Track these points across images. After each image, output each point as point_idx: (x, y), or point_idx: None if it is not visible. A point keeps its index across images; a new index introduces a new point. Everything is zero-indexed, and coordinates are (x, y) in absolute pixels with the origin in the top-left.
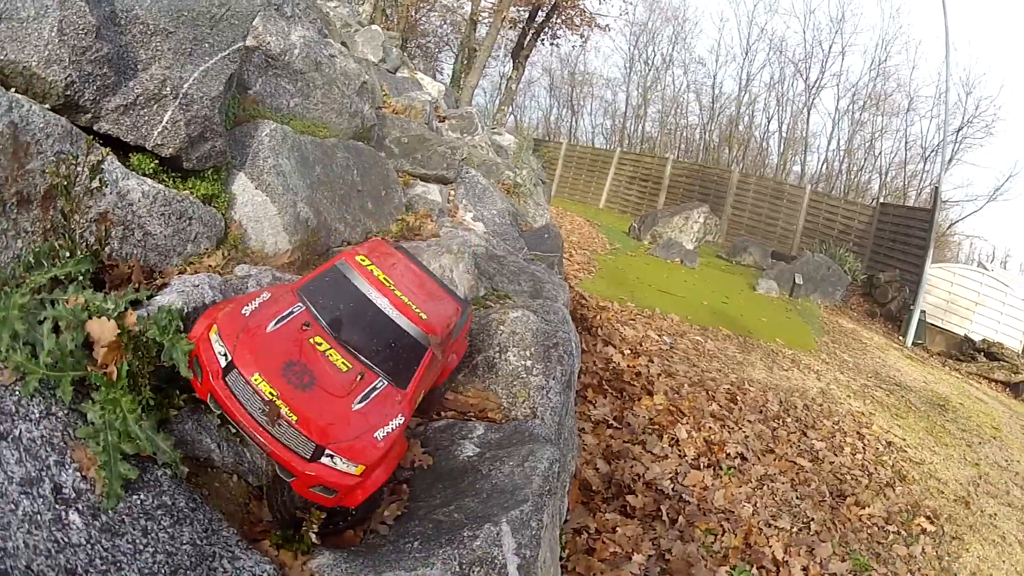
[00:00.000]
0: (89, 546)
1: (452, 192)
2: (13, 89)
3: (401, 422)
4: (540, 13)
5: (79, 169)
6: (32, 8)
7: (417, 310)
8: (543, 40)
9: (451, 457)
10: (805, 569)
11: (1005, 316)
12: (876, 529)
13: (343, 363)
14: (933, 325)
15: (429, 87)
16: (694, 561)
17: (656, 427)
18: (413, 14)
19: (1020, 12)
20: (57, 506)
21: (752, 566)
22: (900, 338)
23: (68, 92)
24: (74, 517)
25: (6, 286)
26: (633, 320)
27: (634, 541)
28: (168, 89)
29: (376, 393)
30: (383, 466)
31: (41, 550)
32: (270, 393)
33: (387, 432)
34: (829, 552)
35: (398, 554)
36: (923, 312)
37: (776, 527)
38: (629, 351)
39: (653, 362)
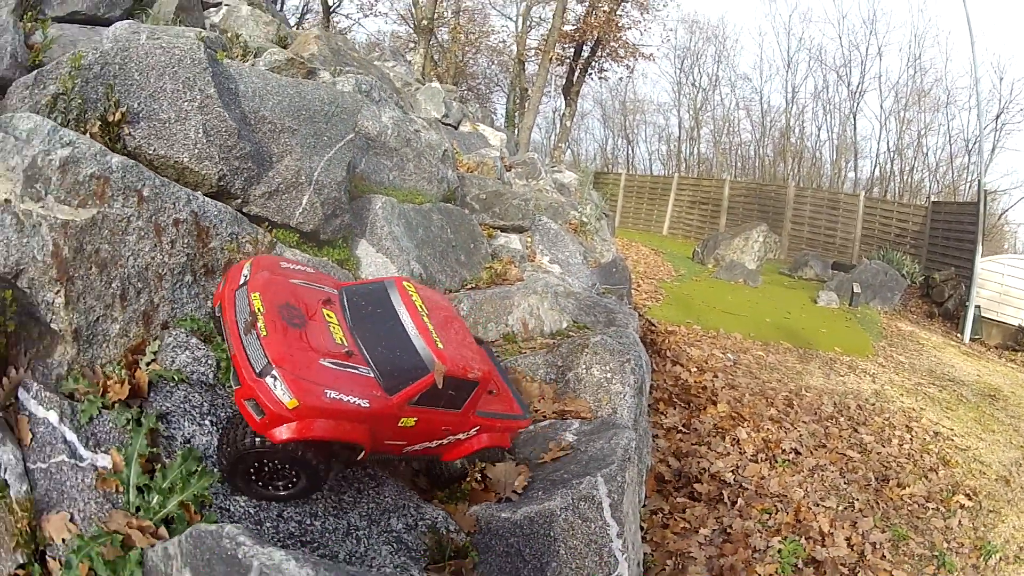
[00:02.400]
0: (325, 499)
1: (529, 239)
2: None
3: (364, 405)
4: (585, 49)
5: (259, 248)
6: (172, 111)
7: (436, 338)
8: (591, 74)
9: (556, 443)
10: (848, 539)
11: None
12: (916, 506)
13: (340, 337)
14: (988, 319)
15: (492, 138)
16: (751, 533)
17: (719, 431)
18: (460, 58)
19: None
20: None
21: (801, 537)
22: (958, 335)
23: (221, 183)
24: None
25: None
26: (699, 341)
27: (700, 519)
28: (303, 177)
29: (352, 371)
30: (321, 421)
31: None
32: (258, 308)
33: (339, 397)
34: (871, 525)
35: (527, 499)
36: (978, 307)
37: (823, 506)
38: (695, 369)
39: (717, 377)
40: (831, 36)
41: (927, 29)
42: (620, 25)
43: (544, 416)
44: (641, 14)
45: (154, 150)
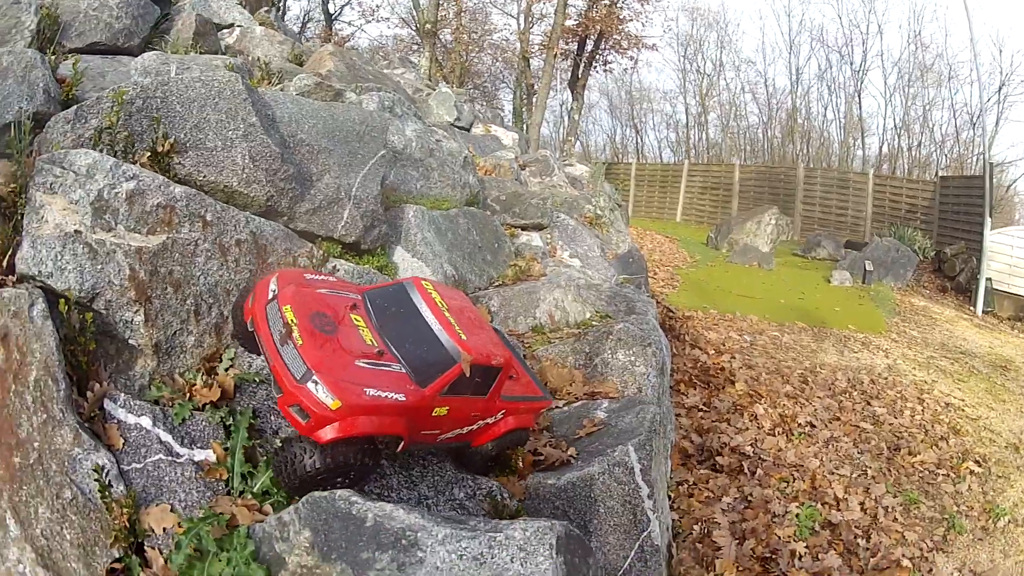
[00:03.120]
0: (398, 474)
1: (549, 236)
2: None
3: (401, 399)
4: (588, 43)
5: (313, 261)
6: (218, 140)
7: (459, 330)
8: (596, 67)
9: (588, 419)
10: (861, 504)
11: None
12: (927, 473)
13: (370, 339)
14: (1000, 291)
15: (504, 139)
16: (770, 500)
17: (738, 408)
18: (464, 58)
19: None
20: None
21: (817, 503)
22: (970, 308)
23: (269, 203)
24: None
25: None
26: (716, 325)
27: (723, 488)
28: (342, 193)
29: (387, 369)
30: (364, 418)
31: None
32: (291, 320)
33: (379, 394)
34: (883, 491)
35: (569, 467)
36: (989, 279)
37: (838, 475)
38: (713, 351)
39: (735, 358)
40: (831, 16)
41: (925, 4)
42: (621, 18)
43: (576, 398)
44: (642, 5)
45: (204, 177)
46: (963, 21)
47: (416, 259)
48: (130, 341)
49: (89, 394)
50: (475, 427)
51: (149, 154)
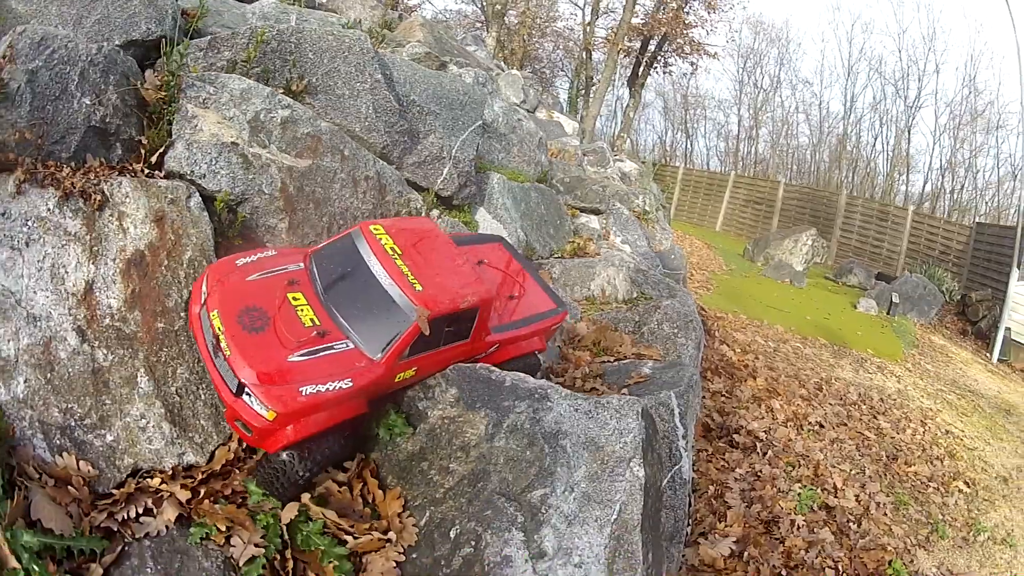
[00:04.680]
0: None
1: (604, 221)
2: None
3: (346, 386)
4: (652, 43)
5: (420, 206)
6: (346, 89)
7: (413, 280)
8: (656, 68)
9: (636, 371)
10: (856, 496)
11: None
12: (919, 483)
13: (310, 319)
14: (1018, 342)
15: (566, 125)
16: (777, 478)
17: (756, 399)
18: (526, 41)
19: None
20: None
21: (817, 488)
22: (986, 354)
23: (383, 151)
24: None
25: None
26: (744, 328)
27: (736, 462)
28: (444, 152)
29: (329, 352)
30: (307, 419)
31: None
32: (218, 328)
33: (318, 390)
34: (877, 489)
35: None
36: (1008, 329)
37: (839, 468)
38: (739, 350)
39: (758, 359)
40: (891, 49)
41: (983, 51)
42: (687, 22)
43: (625, 356)
44: (708, 13)
45: (331, 119)
46: (1016, 72)
47: (495, 220)
48: (268, 244)
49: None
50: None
51: (283, 90)
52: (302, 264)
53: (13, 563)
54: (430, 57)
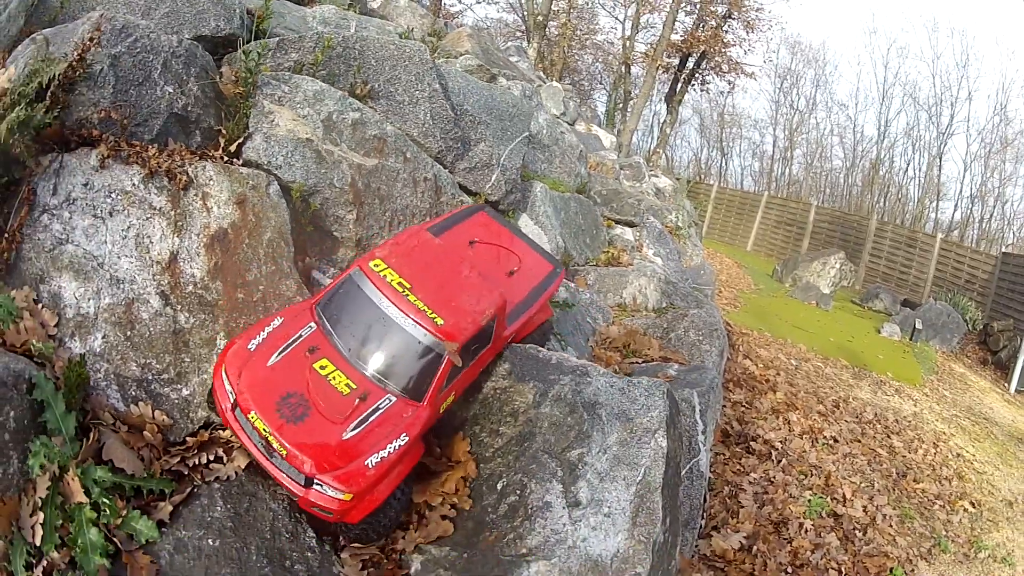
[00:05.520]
0: None
1: (638, 233)
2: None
3: (404, 442)
4: (690, 60)
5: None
6: (406, 96)
7: (433, 315)
8: (694, 85)
9: (662, 372)
10: (864, 507)
11: None
12: (926, 499)
13: (346, 385)
14: None
15: (604, 139)
16: (789, 484)
17: (775, 411)
18: (566, 53)
19: None
20: None
21: (827, 497)
22: (1005, 384)
23: (438, 156)
24: None
25: None
26: (768, 345)
27: (752, 467)
28: (493, 160)
29: (378, 415)
30: (380, 487)
31: None
32: (264, 429)
33: (381, 457)
34: (884, 502)
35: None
36: None
37: (849, 480)
38: (762, 365)
39: (779, 375)
40: (925, 75)
41: (1014, 79)
42: (726, 41)
43: (652, 359)
44: (747, 33)
45: (391, 123)
46: None
47: (537, 226)
48: (335, 233)
49: (300, 264)
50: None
51: (347, 93)
52: (313, 324)
53: (82, 497)
54: (482, 69)
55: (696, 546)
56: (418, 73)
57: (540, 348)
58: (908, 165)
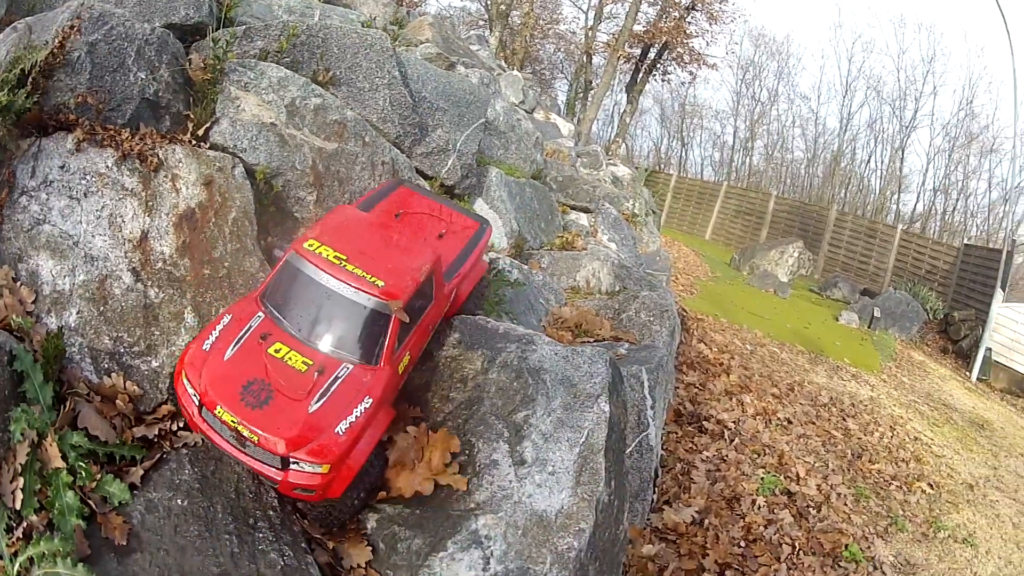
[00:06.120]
0: None
1: (593, 219)
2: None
3: (368, 405)
4: (652, 51)
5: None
6: (366, 83)
7: (372, 279)
8: (655, 76)
9: (613, 351)
10: (818, 486)
11: None
12: (882, 480)
13: (302, 363)
14: (998, 363)
15: (563, 128)
16: (742, 462)
17: (728, 393)
18: (528, 42)
19: None
20: None
21: (781, 475)
22: (966, 373)
23: (396, 141)
24: None
25: None
26: (723, 331)
27: (705, 445)
28: (450, 145)
29: (338, 384)
30: (355, 454)
31: None
32: (232, 421)
33: (350, 423)
34: (839, 481)
35: None
36: (989, 349)
37: (803, 460)
38: (716, 349)
39: (734, 359)
40: (890, 69)
41: (982, 75)
42: (688, 32)
43: (604, 338)
44: (710, 24)
45: (352, 109)
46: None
47: (492, 211)
48: (295, 214)
49: (263, 242)
50: (440, 323)
51: (309, 80)
52: (261, 314)
53: (59, 462)
54: (440, 57)
55: (648, 519)
56: (379, 61)
57: (488, 319)
58: (870, 157)
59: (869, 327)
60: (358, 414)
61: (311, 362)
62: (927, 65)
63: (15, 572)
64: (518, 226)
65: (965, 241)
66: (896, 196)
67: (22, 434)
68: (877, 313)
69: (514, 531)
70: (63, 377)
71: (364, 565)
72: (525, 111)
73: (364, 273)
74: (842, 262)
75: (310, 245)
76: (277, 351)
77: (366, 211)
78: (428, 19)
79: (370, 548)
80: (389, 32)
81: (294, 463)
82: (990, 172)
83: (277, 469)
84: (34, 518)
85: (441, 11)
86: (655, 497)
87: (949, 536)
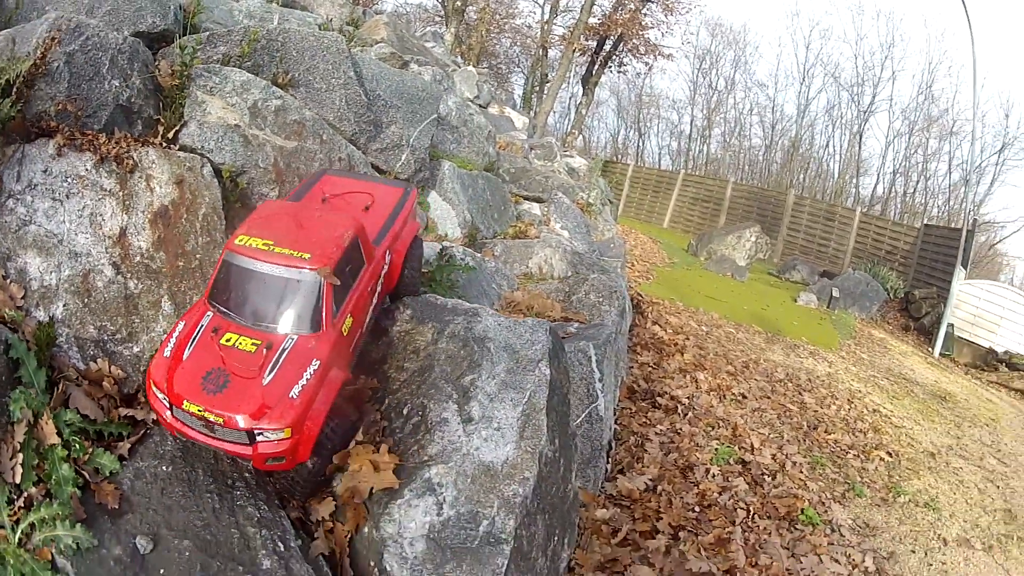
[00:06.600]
0: None
1: (546, 208)
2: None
3: (317, 366)
4: (607, 43)
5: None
6: (323, 83)
7: (299, 254)
8: (610, 67)
9: (563, 330)
10: (773, 455)
11: None
12: (839, 449)
13: (251, 344)
14: (961, 338)
15: (517, 121)
16: (696, 435)
17: (683, 371)
18: (484, 37)
19: None
20: None
21: (735, 446)
22: (928, 348)
23: (352, 138)
24: None
25: None
26: (679, 313)
27: (658, 420)
28: (403, 141)
29: (286, 354)
30: (312, 415)
31: None
32: (198, 411)
33: (302, 385)
34: (794, 451)
35: None
36: (951, 325)
37: (757, 432)
38: (671, 330)
39: (689, 340)
40: (848, 55)
41: (941, 60)
42: (644, 24)
43: (554, 319)
44: (665, 15)
45: (311, 109)
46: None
47: (445, 202)
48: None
49: (230, 235)
50: (380, 287)
51: (270, 83)
52: (210, 313)
53: (55, 439)
54: (394, 57)
55: (603, 487)
56: (335, 62)
57: (438, 296)
58: (828, 142)
59: (828, 307)
60: (308, 376)
61: (259, 342)
62: (886, 51)
63: (17, 539)
64: (471, 216)
65: (925, 222)
66: (855, 180)
67: (20, 412)
68: (836, 293)
69: (464, 479)
70: (54, 364)
71: (329, 517)
72: (480, 106)
73: (292, 252)
74: (801, 245)
75: (241, 240)
76: (228, 340)
77: (296, 201)
78: (383, 18)
79: (334, 502)
80: (345, 33)
81: (259, 434)
82: (950, 154)
83: (246, 444)
84: (33, 490)
85: (397, 8)
86: (608, 467)
87: (910, 501)
